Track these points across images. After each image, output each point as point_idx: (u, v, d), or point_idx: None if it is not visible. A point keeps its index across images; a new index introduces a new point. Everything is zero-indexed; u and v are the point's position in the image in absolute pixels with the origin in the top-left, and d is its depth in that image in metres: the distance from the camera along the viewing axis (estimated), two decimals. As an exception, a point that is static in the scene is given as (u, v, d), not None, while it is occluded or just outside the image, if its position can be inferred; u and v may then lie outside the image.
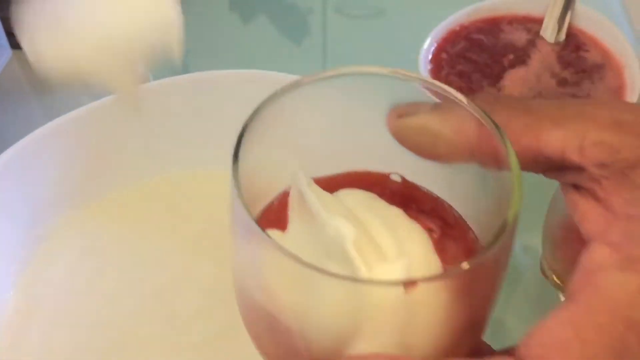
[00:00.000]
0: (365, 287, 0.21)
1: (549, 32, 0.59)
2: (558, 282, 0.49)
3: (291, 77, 0.46)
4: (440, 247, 0.25)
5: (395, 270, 0.23)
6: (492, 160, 0.24)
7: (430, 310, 0.22)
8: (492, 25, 0.60)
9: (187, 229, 0.48)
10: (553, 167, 0.24)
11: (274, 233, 0.24)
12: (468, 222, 0.27)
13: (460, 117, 0.24)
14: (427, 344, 0.23)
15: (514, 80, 0.55)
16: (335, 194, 0.26)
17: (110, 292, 0.46)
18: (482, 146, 0.24)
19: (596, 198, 0.23)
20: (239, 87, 0.49)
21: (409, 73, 0.26)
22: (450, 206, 0.27)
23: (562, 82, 0.55)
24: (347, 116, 0.27)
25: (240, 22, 0.71)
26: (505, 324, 0.50)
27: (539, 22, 0.60)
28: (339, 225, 0.23)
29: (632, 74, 0.55)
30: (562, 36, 0.59)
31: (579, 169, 0.23)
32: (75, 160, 0.49)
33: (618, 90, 0.54)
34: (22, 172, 0.47)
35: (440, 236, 0.26)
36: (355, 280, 0.22)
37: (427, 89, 0.26)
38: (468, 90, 0.55)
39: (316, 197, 0.24)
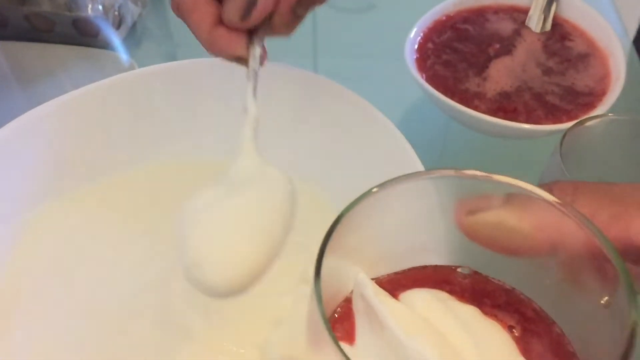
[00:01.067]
0: None
1: (534, 21, 0.59)
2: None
3: (279, 66, 0.46)
4: (524, 347, 0.24)
5: None
6: (579, 253, 0.22)
7: None
8: (478, 15, 0.60)
9: (171, 220, 0.48)
10: None
11: (343, 347, 0.22)
12: (549, 314, 0.25)
13: (539, 212, 0.23)
14: None
15: (500, 69, 0.56)
16: (402, 296, 0.25)
17: (97, 284, 0.46)
18: (567, 241, 0.23)
19: None
20: (224, 77, 0.48)
21: (481, 173, 0.24)
22: (528, 298, 0.26)
23: (548, 72, 0.56)
24: (409, 216, 0.26)
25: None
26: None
27: (524, 11, 0.60)
28: (421, 349, 0.22)
29: (617, 63, 0.55)
30: (548, 26, 0.59)
31: None
32: (56, 151, 0.49)
33: (603, 80, 0.55)
34: (3, 161, 0.47)
35: (522, 334, 0.25)
36: None
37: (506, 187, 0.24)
38: (454, 80, 0.55)
39: (386, 307, 0.23)
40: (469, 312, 0.24)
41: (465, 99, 0.53)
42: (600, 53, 0.57)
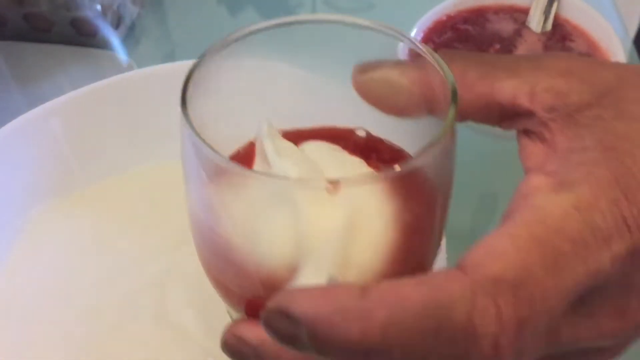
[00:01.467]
0: (292, 187, 0.22)
1: (535, 22, 0.59)
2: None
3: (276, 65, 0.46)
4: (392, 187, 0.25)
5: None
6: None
7: (362, 220, 0.22)
8: (479, 15, 0.60)
9: (171, 221, 0.48)
10: (506, 115, 0.25)
11: None
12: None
13: (419, 68, 0.25)
14: (367, 263, 0.22)
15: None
16: (300, 146, 0.26)
17: (94, 285, 0.45)
18: (439, 95, 0.24)
19: (542, 139, 0.24)
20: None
21: (384, 25, 0.26)
22: (411, 157, 0.27)
23: (548, 72, 0.55)
24: (317, 69, 0.27)
25: (228, 14, 0.70)
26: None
27: (525, 12, 0.60)
28: (285, 167, 0.23)
29: (618, 64, 0.55)
30: (549, 26, 0.59)
31: (529, 114, 0.24)
32: (55, 151, 0.49)
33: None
34: (3, 160, 0.46)
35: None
36: (282, 179, 0.22)
37: (395, 37, 0.26)
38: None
39: (276, 145, 0.24)
40: (353, 160, 0.26)
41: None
42: (601, 53, 0.56)
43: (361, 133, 0.28)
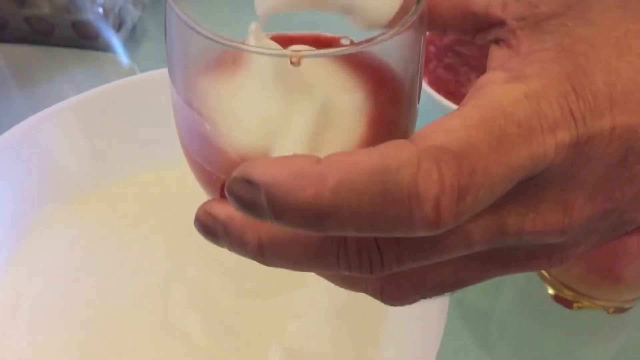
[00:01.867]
0: (259, 57, 0.22)
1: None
2: (545, 274, 0.49)
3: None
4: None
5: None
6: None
7: (329, 98, 0.23)
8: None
9: (174, 225, 0.48)
10: (480, 26, 0.26)
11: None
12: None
13: None
14: (336, 143, 0.23)
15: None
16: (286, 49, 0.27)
17: (97, 289, 0.45)
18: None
19: (509, 46, 0.25)
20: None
21: None
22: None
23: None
24: None
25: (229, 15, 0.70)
26: (493, 314, 0.51)
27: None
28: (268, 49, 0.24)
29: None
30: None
31: (501, 23, 0.25)
32: (60, 154, 0.49)
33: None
34: (6, 166, 0.46)
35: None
36: (250, 49, 0.23)
37: None
38: (455, 83, 0.55)
39: (260, 43, 0.24)
40: None
41: (468, 103, 0.53)
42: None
43: (345, 41, 0.29)
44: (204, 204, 0.24)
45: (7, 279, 0.45)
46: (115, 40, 0.66)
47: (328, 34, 0.29)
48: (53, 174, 0.49)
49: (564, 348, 0.50)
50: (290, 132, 0.23)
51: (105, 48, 0.65)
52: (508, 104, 0.21)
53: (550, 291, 0.49)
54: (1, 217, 0.47)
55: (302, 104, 0.23)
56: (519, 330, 0.51)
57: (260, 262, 0.23)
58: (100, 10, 0.64)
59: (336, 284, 0.26)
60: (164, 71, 0.51)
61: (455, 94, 0.54)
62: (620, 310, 0.49)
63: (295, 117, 0.23)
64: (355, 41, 0.28)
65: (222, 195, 0.24)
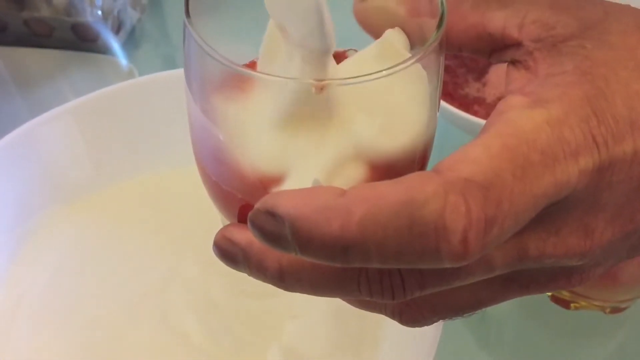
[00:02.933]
0: (281, 85, 0.23)
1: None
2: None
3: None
4: None
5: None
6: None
7: (350, 124, 0.23)
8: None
9: (173, 227, 0.48)
10: (496, 47, 0.26)
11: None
12: None
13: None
14: (354, 170, 0.23)
15: (499, 74, 0.56)
16: None
17: (97, 291, 0.46)
18: (430, 23, 0.25)
19: (527, 67, 0.25)
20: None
21: None
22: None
23: (547, 77, 0.56)
24: None
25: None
26: (491, 315, 0.51)
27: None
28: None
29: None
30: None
31: (517, 45, 0.25)
32: (60, 157, 0.49)
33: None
34: (7, 168, 0.47)
35: None
36: (271, 77, 0.23)
37: None
38: (453, 85, 0.55)
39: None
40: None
41: (465, 104, 0.54)
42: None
43: (352, 53, 0.28)
44: (223, 229, 0.24)
45: (8, 281, 0.46)
46: (114, 43, 0.66)
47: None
48: (53, 177, 0.49)
49: (562, 348, 0.50)
50: (309, 157, 0.23)
51: (104, 50, 0.65)
52: (530, 131, 0.21)
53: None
54: (2, 219, 0.47)
55: (323, 129, 0.23)
56: (517, 330, 0.51)
57: (279, 287, 0.23)
58: (99, 12, 0.64)
59: (354, 306, 0.26)
60: (163, 74, 0.51)
61: (453, 96, 0.54)
62: (617, 310, 0.49)
63: (315, 141, 0.23)
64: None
65: (240, 220, 0.25)
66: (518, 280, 0.24)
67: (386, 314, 0.25)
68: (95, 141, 0.50)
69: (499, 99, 0.54)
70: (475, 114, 0.52)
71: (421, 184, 0.20)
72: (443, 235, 0.19)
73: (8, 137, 0.46)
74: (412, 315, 0.24)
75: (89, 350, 0.43)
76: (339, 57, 0.28)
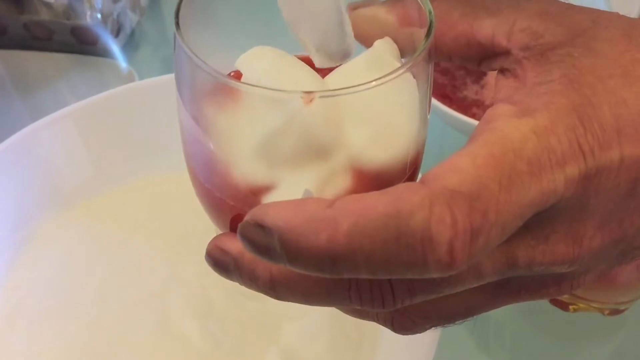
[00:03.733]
0: (270, 96, 0.22)
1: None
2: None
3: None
4: None
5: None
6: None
7: (339, 134, 0.23)
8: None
9: (172, 230, 0.48)
10: (485, 55, 0.26)
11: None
12: None
13: (406, 6, 0.26)
14: (344, 180, 0.23)
15: (497, 77, 0.56)
16: None
17: (96, 295, 0.46)
18: (419, 32, 0.25)
19: (515, 76, 0.25)
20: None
21: None
22: None
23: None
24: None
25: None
26: (490, 317, 0.51)
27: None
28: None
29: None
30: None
31: (506, 53, 0.25)
32: (59, 161, 0.49)
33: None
34: (6, 173, 0.47)
35: None
36: (261, 89, 0.22)
37: None
38: (452, 87, 0.55)
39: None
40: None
41: (463, 107, 0.54)
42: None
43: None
44: (215, 238, 0.24)
45: (7, 286, 0.46)
46: (113, 46, 0.66)
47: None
48: (52, 181, 0.49)
49: (561, 350, 0.50)
50: (299, 166, 0.23)
51: (104, 53, 0.66)
52: (517, 141, 0.21)
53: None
54: (1, 224, 0.47)
55: (314, 139, 0.23)
56: (516, 332, 0.51)
57: (271, 296, 0.23)
58: (99, 15, 0.64)
59: (346, 313, 0.26)
60: (161, 78, 0.51)
61: (451, 98, 0.55)
62: (615, 312, 0.49)
63: (305, 151, 0.23)
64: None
65: (232, 226, 0.25)
66: (508, 287, 0.24)
67: (379, 322, 0.25)
68: (95, 145, 0.50)
69: (498, 101, 0.54)
70: (473, 116, 0.52)
71: (408, 195, 0.20)
72: (429, 246, 0.19)
73: (8, 142, 0.46)
74: (404, 323, 0.25)
75: (87, 354, 0.43)
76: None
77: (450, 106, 0.52)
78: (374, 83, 0.22)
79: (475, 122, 0.51)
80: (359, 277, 0.21)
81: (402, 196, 0.20)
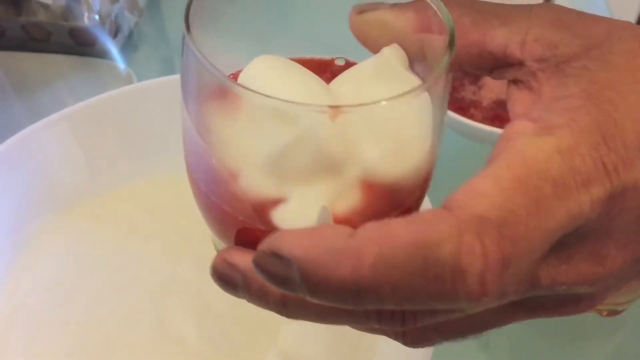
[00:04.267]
0: (293, 109, 0.22)
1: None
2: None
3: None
4: None
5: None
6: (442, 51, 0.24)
7: (358, 149, 0.22)
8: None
9: (170, 232, 0.48)
10: (497, 65, 0.25)
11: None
12: None
13: (417, 11, 0.25)
14: (360, 196, 0.23)
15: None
16: None
17: (94, 297, 0.46)
18: (434, 40, 0.25)
19: (530, 88, 0.24)
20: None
21: None
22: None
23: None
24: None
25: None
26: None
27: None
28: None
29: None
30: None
31: (519, 64, 0.24)
32: (57, 163, 0.49)
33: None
34: (4, 175, 0.47)
35: None
36: (282, 101, 0.21)
37: None
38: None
39: None
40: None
41: (461, 108, 0.54)
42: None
43: (340, 62, 0.28)
44: (222, 251, 0.23)
45: (6, 288, 0.46)
46: (112, 47, 0.66)
47: (321, 56, 0.28)
48: (51, 183, 0.49)
49: (559, 350, 0.50)
50: (311, 175, 0.23)
51: (102, 55, 0.66)
52: (540, 162, 0.20)
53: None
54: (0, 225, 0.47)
55: (326, 150, 0.22)
56: (516, 333, 0.51)
57: (282, 314, 0.22)
58: (97, 17, 0.64)
59: (356, 329, 0.25)
60: (160, 80, 0.51)
61: (448, 99, 0.54)
62: (614, 313, 0.49)
63: (317, 164, 0.23)
64: (350, 59, 0.28)
65: (238, 243, 0.24)
66: (526, 306, 0.23)
67: (388, 336, 0.24)
68: (92, 147, 0.50)
69: (495, 102, 0.54)
70: (471, 117, 0.52)
71: (435, 223, 0.19)
72: (460, 278, 0.19)
73: (6, 144, 0.46)
74: (416, 338, 0.24)
75: (86, 355, 0.43)
76: (327, 65, 0.28)
77: (448, 107, 0.52)
78: (394, 101, 0.22)
79: (472, 123, 0.51)
80: (384, 308, 0.20)
81: (428, 224, 0.19)
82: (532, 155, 0.21)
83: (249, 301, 0.22)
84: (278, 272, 0.19)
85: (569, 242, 0.21)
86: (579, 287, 0.22)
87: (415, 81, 0.25)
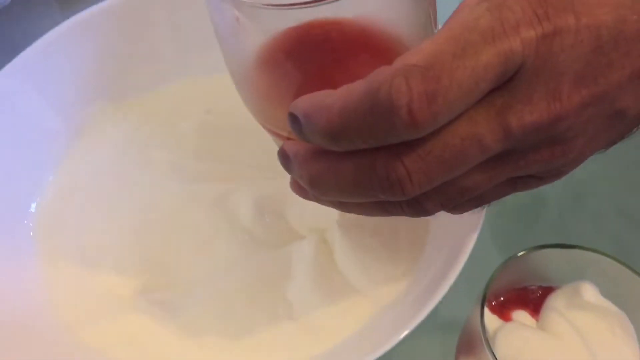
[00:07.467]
0: None
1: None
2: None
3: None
4: None
5: None
6: None
7: None
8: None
9: (227, 123, 0.49)
10: None
11: None
12: None
13: None
14: None
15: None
16: None
17: (153, 177, 0.46)
18: None
19: None
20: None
21: None
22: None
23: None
24: None
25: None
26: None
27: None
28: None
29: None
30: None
31: None
32: (112, 52, 0.49)
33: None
34: (63, 57, 0.47)
35: None
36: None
37: None
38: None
39: None
40: None
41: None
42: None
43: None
44: (284, 143, 0.28)
45: (65, 169, 0.47)
46: None
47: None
48: (105, 73, 0.49)
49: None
50: None
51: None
52: (472, 20, 0.23)
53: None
54: (58, 110, 0.47)
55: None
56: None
57: (315, 193, 0.27)
58: None
59: (378, 215, 0.29)
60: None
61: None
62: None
63: None
64: None
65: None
66: (507, 159, 0.26)
67: (394, 213, 0.28)
68: (144, 40, 0.50)
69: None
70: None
71: (377, 75, 0.23)
72: (394, 112, 0.23)
73: (64, 25, 0.46)
74: (417, 206, 0.27)
75: (142, 232, 0.44)
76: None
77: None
78: None
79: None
80: (376, 164, 0.25)
81: (373, 77, 0.24)
82: (466, 17, 0.24)
83: (294, 176, 0.28)
84: (295, 125, 0.26)
85: (522, 84, 0.24)
86: (546, 126, 0.24)
87: None
